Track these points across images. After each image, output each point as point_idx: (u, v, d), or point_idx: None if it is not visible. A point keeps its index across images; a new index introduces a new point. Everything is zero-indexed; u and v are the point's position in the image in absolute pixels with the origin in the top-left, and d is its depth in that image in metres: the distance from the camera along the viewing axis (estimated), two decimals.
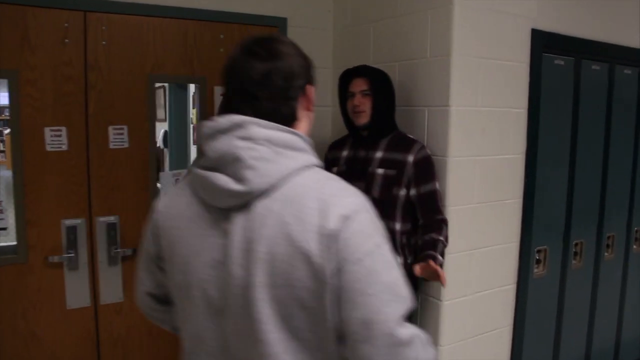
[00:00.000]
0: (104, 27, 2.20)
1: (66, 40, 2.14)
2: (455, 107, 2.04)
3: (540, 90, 2.33)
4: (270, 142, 0.90)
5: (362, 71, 2.06)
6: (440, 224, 1.97)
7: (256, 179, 0.88)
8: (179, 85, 3.42)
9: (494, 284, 2.30)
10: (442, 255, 1.88)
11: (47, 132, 2.15)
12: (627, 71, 2.72)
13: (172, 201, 1.02)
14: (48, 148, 2.15)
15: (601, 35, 2.53)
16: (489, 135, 2.17)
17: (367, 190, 1.99)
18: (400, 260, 2.00)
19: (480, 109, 2.13)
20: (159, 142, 4.17)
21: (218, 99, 2.47)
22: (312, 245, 0.85)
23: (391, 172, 1.99)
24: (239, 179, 0.88)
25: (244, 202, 0.89)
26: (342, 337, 0.89)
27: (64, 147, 2.18)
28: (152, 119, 2.33)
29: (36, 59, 2.10)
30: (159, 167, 3.97)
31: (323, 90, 2.66)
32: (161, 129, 4.17)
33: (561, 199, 2.53)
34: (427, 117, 2.14)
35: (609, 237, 2.78)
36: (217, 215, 0.93)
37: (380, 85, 2.04)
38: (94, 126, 2.23)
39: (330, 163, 2.20)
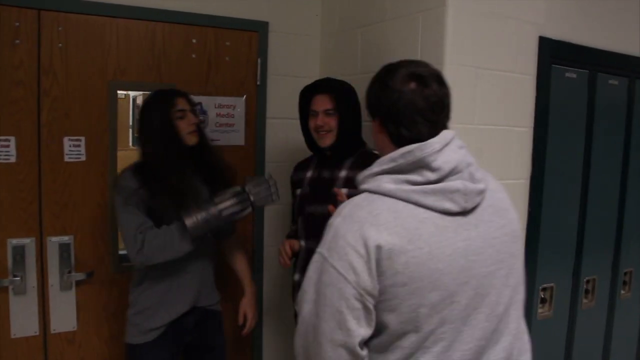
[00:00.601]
0: (60, 28, 2.00)
1: (17, 41, 1.94)
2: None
3: (549, 106, 2.05)
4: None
5: (324, 87, 1.84)
6: None
7: (484, 177, 1.10)
8: None
9: None
10: None
11: None
12: None
13: (396, 226, 1.02)
14: None
15: (619, 46, 2.25)
16: (487, 158, 1.88)
17: (332, 213, 1.76)
18: None
19: (477, 127, 1.87)
20: None
21: None
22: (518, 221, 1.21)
23: (357, 191, 1.75)
24: (475, 179, 1.06)
25: (483, 198, 1.09)
26: None
27: (12, 159, 1.97)
28: (112, 130, 2.11)
29: None
30: None
31: None
32: None
33: (571, 230, 2.23)
34: None
35: (625, 273, 2.48)
36: (455, 220, 1.05)
37: (346, 102, 1.82)
38: (47, 136, 2.02)
39: (294, 185, 1.99)
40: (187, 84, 2.22)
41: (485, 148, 1.88)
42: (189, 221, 1.71)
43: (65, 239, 2.08)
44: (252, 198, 1.79)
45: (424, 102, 1.07)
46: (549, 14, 2.00)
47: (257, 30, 2.33)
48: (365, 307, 1.02)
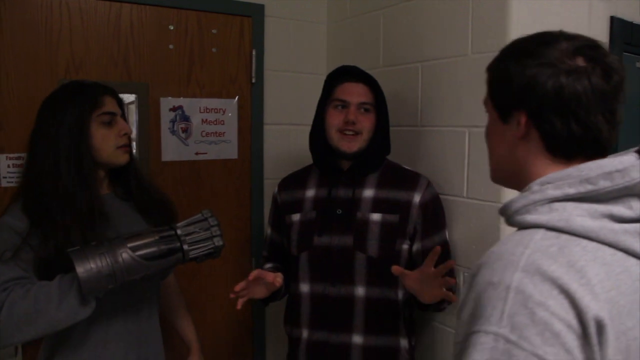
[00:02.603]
0: None
1: None
2: None
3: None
4: None
5: (360, 75, 1.43)
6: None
7: None
8: None
9: None
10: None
11: None
12: None
13: (611, 288, 0.63)
14: None
15: None
16: None
17: (358, 246, 1.36)
18: (405, 343, 1.42)
19: None
20: None
21: (166, 114, 1.77)
22: None
23: (392, 217, 1.37)
24: None
25: None
26: None
27: None
28: None
29: None
30: None
31: (314, 105, 1.97)
32: None
33: None
34: (467, 142, 1.45)
35: None
36: None
37: (383, 98, 1.43)
38: None
39: (285, 208, 1.51)
40: (164, 82, 1.75)
41: None
42: (81, 268, 1.06)
43: None
44: (185, 246, 1.16)
45: (605, 84, 0.70)
46: None
47: (251, 15, 1.87)
48: None
